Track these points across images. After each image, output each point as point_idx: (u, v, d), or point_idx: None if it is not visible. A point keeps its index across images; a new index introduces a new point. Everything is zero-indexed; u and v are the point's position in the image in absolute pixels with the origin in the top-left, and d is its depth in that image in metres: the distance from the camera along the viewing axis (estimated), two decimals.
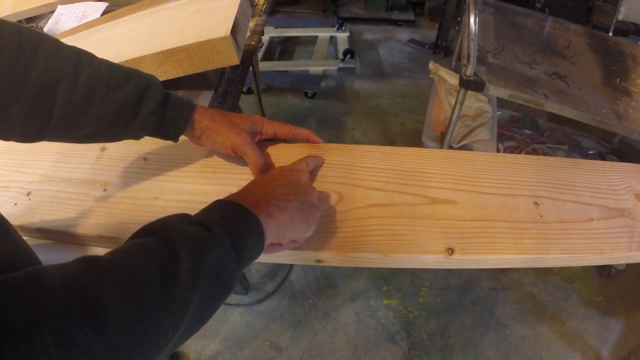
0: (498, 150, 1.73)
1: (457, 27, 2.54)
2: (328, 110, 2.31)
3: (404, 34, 2.94)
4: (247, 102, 2.12)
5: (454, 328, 1.43)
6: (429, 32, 2.92)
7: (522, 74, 1.22)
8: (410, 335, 1.41)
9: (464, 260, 0.54)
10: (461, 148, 1.58)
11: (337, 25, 2.80)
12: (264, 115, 1.55)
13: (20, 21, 1.11)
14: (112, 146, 0.68)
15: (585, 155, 1.79)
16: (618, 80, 1.27)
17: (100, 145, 0.69)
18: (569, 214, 0.60)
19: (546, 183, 0.64)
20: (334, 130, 2.18)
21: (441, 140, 1.46)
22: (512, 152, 1.81)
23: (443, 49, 2.68)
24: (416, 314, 1.47)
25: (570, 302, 1.49)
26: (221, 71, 0.94)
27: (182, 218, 0.40)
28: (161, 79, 0.72)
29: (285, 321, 1.44)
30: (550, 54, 1.34)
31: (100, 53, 0.74)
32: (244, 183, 0.61)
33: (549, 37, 1.46)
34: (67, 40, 0.88)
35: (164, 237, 0.36)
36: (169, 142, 0.60)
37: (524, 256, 0.55)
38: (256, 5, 1.17)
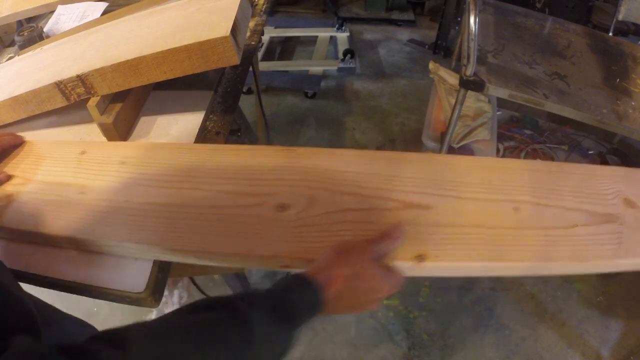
0: (498, 150, 1.73)
1: (457, 27, 2.54)
2: (328, 110, 2.31)
3: (404, 34, 2.94)
4: (247, 102, 2.12)
5: (454, 328, 1.43)
6: (429, 32, 2.92)
7: (522, 74, 1.22)
8: (410, 335, 1.41)
9: (435, 268, 0.53)
10: (461, 148, 1.58)
11: (337, 25, 2.80)
12: (264, 115, 1.55)
13: (20, 21, 1.11)
14: (92, 149, 0.69)
15: (585, 155, 1.79)
16: (618, 80, 1.27)
17: (81, 149, 0.69)
18: (552, 220, 0.58)
19: (529, 187, 0.62)
20: (334, 130, 2.18)
21: (441, 140, 1.46)
22: (512, 152, 1.81)
23: (443, 49, 2.68)
24: (416, 314, 1.46)
25: (570, 302, 1.49)
26: (221, 71, 0.94)
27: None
28: (161, 79, 0.72)
29: None
30: (550, 54, 1.34)
31: (100, 53, 0.75)
32: (222, 187, 0.60)
33: (549, 37, 1.46)
34: (67, 40, 0.88)
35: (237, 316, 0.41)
36: (147, 145, 0.61)
37: (501, 264, 0.53)
38: (256, 5, 1.17)
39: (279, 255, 0.53)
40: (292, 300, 0.44)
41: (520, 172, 0.64)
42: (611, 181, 0.64)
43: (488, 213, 0.58)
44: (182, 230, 0.56)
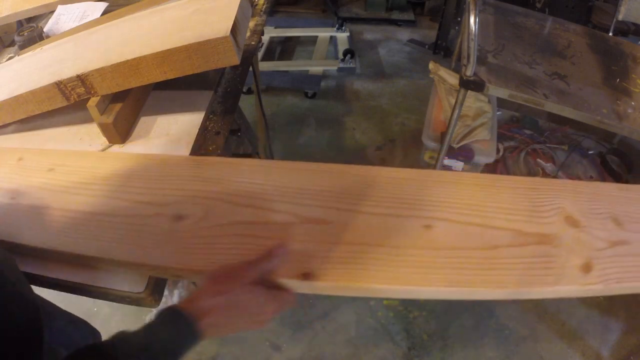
0: (498, 150, 1.73)
1: (457, 27, 2.54)
2: (328, 110, 2.31)
3: (404, 34, 2.94)
4: (247, 102, 2.11)
5: (454, 328, 1.43)
6: (429, 32, 2.91)
7: (522, 74, 1.22)
8: (410, 335, 1.41)
9: (323, 287, 0.50)
10: (461, 148, 1.58)
11: (337, 25, 2.80)
12: (264, 115, 1.55)
13: (20, 21, 1.11)
14: (27, 156, 0.70)
15: (585, 155, 1.79)
16: (618, 80, 1.27)
17: (19, 155, 0.71)
18: (469, 240, 0.52)
19: (449, 203, 0.56)
20: (334, 130, 2.18)
21: (441, 140, 1.46)
22: (512, 152, 1.81)
23: (443, 49, 2.68)
24: (416, 314, 1.46)
25: (570, 302, 1.49)
26: (221, 71, 0.94)
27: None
28: (161, 79, 0.72)
29: (285, 321, 1.44)
30: (550, 54, 1.34)
31: (100, 53, 0.75)
32: (127, 196, 0.61)
33: (549, 37, 1.46)
34: (67, 40, 0.88)
35: None
36: (74, 153, 0.66)
37: (398, 287, 0.49)
38: (256, 5, 1.17)
39: (170, 267, 0.52)
40: (165, 338, 0.44)
41: (442, 185, 0.59)
42: (553, 196, 0.58)
43: (393, 230, 0.53)
44: (79, 235, 0.56)
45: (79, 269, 0.58)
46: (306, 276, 0.49)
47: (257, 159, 0.63)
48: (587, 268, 0.50)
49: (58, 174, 0.66)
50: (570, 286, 0.48)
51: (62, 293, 0.58)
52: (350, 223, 0.54)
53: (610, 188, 0.60)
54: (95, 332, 0.92)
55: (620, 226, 0.55)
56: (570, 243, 0.52)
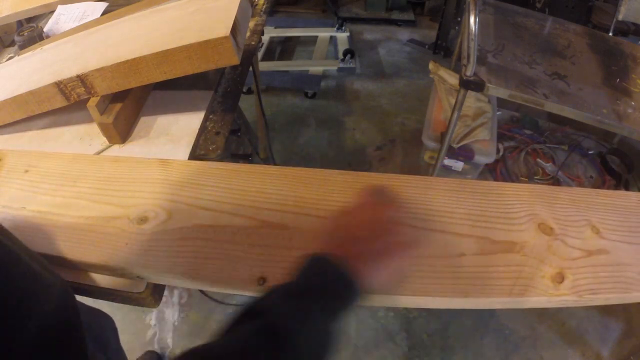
0: (498, 150, 1.73)
1: (457, 27, 2.54)
2: (328, 110, 2.31)
3: (404, 34, 2.94)
4: (247, 102, 2.12)
5: (454, 328, 1.43)
6: (429, 32, 2.92)
7: (522, 74, 1.22)
8: (410, 335, 1.41)
9: None
10: (461, 148, 1.58)
11: (337, 25, 2.80)
12: (264, 115, 1.55)
13: (20, 21, 1.11)
14: (6, 158, 0.70)
15: (585, 155, 1.79)
16: (618, 80, 1.27)
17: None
18: (433, 247, 0.50)
19: (413, 209, 0.54)
20: (334, 130, 2.18)
21: (441, 140, 1.46)
22: (512, 152, 1.81)
23: (443, 49, 2.68)
24: (416, 314, 1.46)
25: None
26: (221, 71, 0.94)
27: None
28: (161, 79, 0.72)
29: None
30: (550, 54, 1.34)
31: (100, 53, 0.75)
32: (95, 197, 0.61)
33: (549, 37, 1.46)
34: (67, 40, 0.88)
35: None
36: (47, 155, 0.67)
37: None
38: (256, 5, 1.17)
39: (131, 267, 0.53)
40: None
41: (408, 189, 0.57)
42: (525, 202, 0.56)
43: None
44: (45, 235, 0.57)
45: (80, 270, 0.58)
46: (262, 281, 0.49)
47: (222, 162, 0.64)
48: (559, 278, 0.48)
49: (32, 175, 0.66)
50: (539, 297, 0.47)
51: None
52: (307, 229, 0.53)
53: (590, 194, 0.58)
54: (109, 318, 0.92)
55: (598, 234, 0.53)
56: (541, 251, 0.50)
